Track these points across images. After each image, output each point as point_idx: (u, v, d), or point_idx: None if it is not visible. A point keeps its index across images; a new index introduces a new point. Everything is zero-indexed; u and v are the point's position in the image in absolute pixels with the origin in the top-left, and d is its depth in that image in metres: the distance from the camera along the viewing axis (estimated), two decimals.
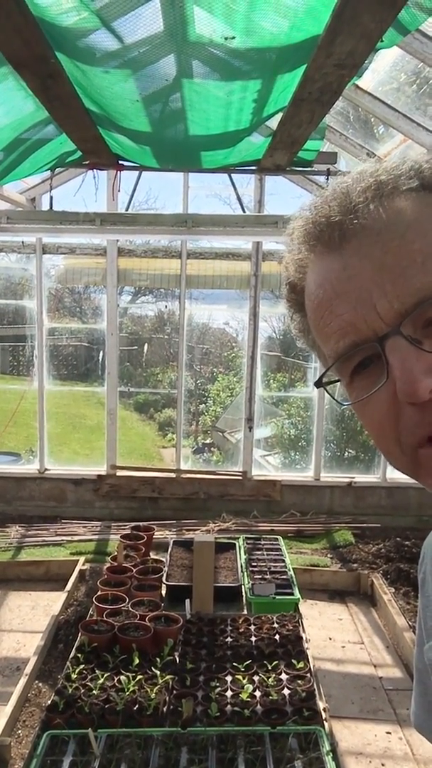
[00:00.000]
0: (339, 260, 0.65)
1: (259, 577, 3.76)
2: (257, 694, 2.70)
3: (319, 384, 0.73)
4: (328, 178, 4.91)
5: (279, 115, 3.42)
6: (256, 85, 2.92)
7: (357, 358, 0.65)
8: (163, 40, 2.51)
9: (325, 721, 2.59)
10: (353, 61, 2.50)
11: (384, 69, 4.14)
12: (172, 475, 6.95)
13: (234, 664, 2.91)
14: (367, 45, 2.35)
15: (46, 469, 6.94)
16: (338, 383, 0.72)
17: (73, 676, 2.76)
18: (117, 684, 2.71)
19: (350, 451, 7.63)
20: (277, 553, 4.15)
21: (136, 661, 2.85)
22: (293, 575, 3.83)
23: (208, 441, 10.16)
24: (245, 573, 3.80)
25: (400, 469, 0.68)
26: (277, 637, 3.17)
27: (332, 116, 4.79)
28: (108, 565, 3.83)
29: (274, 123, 3.67)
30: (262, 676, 2.82)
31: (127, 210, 5.96)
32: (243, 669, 2.86)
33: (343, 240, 0.65)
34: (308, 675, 2.85)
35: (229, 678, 2.83)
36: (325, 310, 0.67)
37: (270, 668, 2.88)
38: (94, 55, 2.59)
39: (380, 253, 0.62)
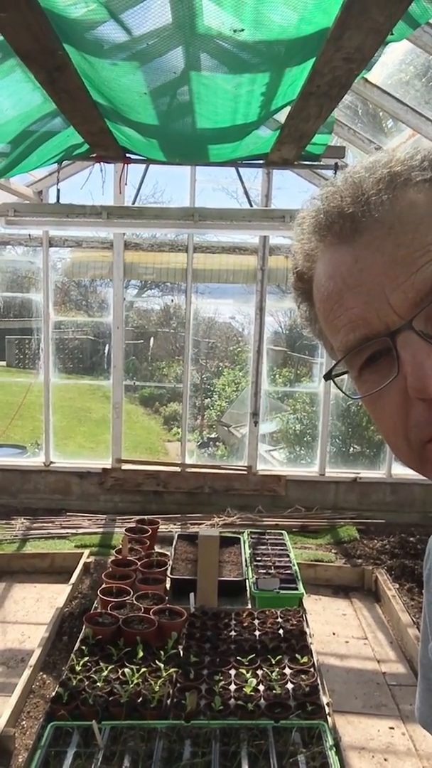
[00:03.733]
0: (350, 252, 0.64)
1: (264, 571, 3.76)
2: (261, 688, 2.71)
3: (328, 377, 0.72)
4: (335, 173, 4.88)
5: (287, 109, 3.40)
6: (264, 78, 2.90)
7: (367, 352, 0.65)
8: (172, 33, 2.49)
9: (328, 716, 2.60)
10: (362, 54, 2.48)
11: (393, 62, 4.11)
12: (177, 469, 6.96)
13: (238, 658, 2.91)
14: (376, 38, 2.34)
15: (51, 462, 6.96)
16: (346, 375, 0.72)
17: (78, 668, 2.77)
18: (121, 676, 2.72)
19: (355, 446, 7.62)
20: (282, 547, 4.15)
21: (141, 653, 2.86)
22: (297, 570, 3.83)
23: (213, 435, 10.16)
24: (249, 567, 3.80)
25: (407, 465, 0.68)
26: (281, 631, 3.17)
27: (340, 110, 4.76)
28: (113, 558, 3.84)
29: (282, 117, 3.65)
30: (266, 670, 2.83)
31: (133, 203, 5.95)
32: (247, 663, 2.86)
33: (355, 232, 0.64)
34: (312, 670, 2.85)
35: (232, 672, 2.83)
36: (335, 302, 0.66)
37: (274, 662, 2.88)
38: (102, 47, 2.58)
39: (393, 246, 0.61)
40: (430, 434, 0.62)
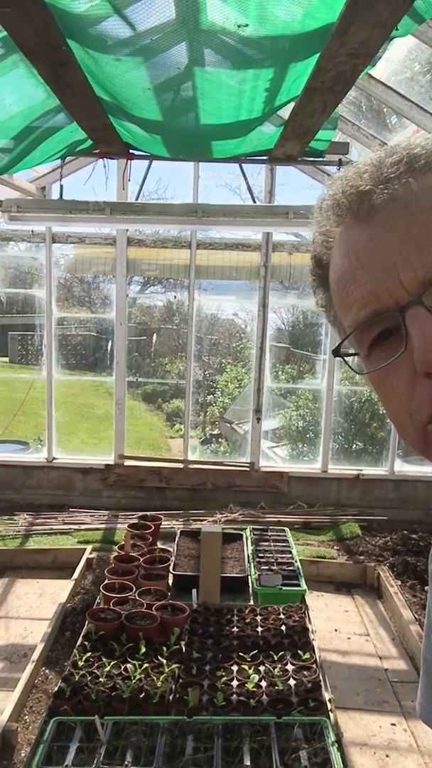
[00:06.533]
0: (366, 231, 0.65)
1: (266, 568, 3.76)
2: (263, 684, 2.71)
3: (336, 353, 0.72)
4: (339, 169, 4.87)
5: (291, 105, 3.39)
6: (268, 74, 2.89)
7: (377, 328, 0.65)
8: (175, 28, 2.49)
9: (330, 712, 2.60)
10: (367, 50, 2.47)
11: (398, 58, 4.09)
12: (180, 465, 6.96)
13: (240, 654, 2.92)
14: (381, 34, 2.33)
15: (54, 458, 6.97)
16: (355, 357, 0.72)
17: (80, 663, 2.78)
18: (123, 672, 2.73)
19: (358, 443, 7.61)
20: (284, 544, 4.15)
21: (143, 649, 2.86)
22: (300, 567, 3.83)
23: (215, 432, 10.16)
24: (252, 564, 3.81)
25: (410, 445, 0.68)
26: (283, 627, 3.17)
27: (344, 106, 4.74)
28: (115, 554, 3.85)
29: (286, 112, 3.64)
30: (268, 666, 2.83)
31: (137, 199, 5.93)
32: (249, 659, 2.87)
33: (372, 211, 0.65)
34: (314, 666, 2.85)
35: (235, 668, 2.84)
36: (348, 280, 0.67)
37: (276, 659, 2.89)
38: (106, 42, 2.57)
39: (407, 225, 0.62)
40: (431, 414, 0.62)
